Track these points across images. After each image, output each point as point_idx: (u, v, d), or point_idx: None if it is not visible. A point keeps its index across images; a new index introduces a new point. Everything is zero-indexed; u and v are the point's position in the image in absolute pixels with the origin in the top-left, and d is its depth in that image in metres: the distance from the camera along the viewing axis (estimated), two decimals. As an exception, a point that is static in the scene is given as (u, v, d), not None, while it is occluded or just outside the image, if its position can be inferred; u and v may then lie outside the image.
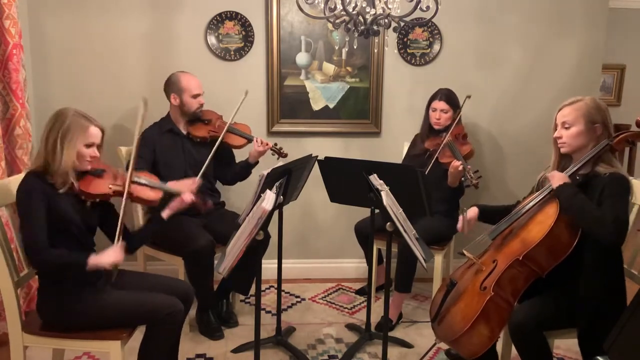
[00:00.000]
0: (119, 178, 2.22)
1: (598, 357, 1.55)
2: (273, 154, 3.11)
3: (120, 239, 2.09)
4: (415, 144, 3.32)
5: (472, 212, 2.41)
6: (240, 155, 3.21)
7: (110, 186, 2.17)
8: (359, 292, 3.53)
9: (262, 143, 3.05)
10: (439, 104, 3.15)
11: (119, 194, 2.18)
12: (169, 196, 2.36)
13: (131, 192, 2.18)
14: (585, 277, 2.07)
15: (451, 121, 3.16)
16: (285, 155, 3.10)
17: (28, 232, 1.99)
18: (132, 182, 2.18)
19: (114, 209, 2.28)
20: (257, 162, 3.13)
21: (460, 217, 2.36)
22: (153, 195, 2.31)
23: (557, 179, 2.11)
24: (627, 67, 5.60)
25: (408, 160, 3.29)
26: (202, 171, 2.85)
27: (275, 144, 3.12)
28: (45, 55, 3.32)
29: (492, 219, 2.36)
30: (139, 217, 3.02)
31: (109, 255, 2.03)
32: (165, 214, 2.32)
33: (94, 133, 2.09)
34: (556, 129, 2.19)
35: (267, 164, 2.65)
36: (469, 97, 3.12)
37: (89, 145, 2.08)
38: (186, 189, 2.43)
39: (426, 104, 3.24)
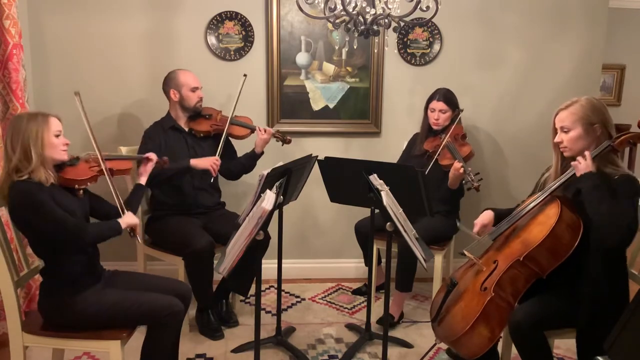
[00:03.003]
0: (91, 161, 2.33)
1: (598, 357, 1.55)
2: (277, 141, 3.14)
3: (124, 209, 2.27)
4: (414, 144, 3.32)
5: (488, 216, 2.37)
6: (242, 148, 3.21)
7: (92, 169, 2.27)
8: (356, 292, 3.53)
9: (265, 131, 3.10)
10: (437, 104, 3.15)
11: (102, 173, 2.31)
12: (139, 164, 2.63)
13: (111, 167, 2.33)
14: (587, 278, 2.07)
15: (450, 121, 3.16)
16: (289, 141, 3.16)
17: (57, 226, 2.00)
18: (105, 159, 2.31)
19: (94, 194, 2.37)
20: (262, 153, 3.15)
21: (475, 224, 2.36)
22: (127, 164, 2.52)
23: (582, 167, 2.06)
24: (627, 67, 5.60)
25: (406, 160, 3.29)
26: (218, 153, 3.00)
27: (278, 130, 3.16)
28: (45, 55, 3.32)
29: None
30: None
31: (131, 217, 2.24)
32: (142, 180, 2.57)
33: (56, 122, 2.12)
34: (555, 133, 2.19)
35: (267, 163, 2.65)
36: (461, 110, 3.18)
37: (57, 134, 2.11)
38: (208, 164, 2.93)
39: (424, 104, 3.25)
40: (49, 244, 2.07)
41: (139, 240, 2.32)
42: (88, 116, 2.26)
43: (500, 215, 2.37)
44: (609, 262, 2.06)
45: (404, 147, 3.41)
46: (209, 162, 2.95)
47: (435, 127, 3.19)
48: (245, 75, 3.07)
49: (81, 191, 2.23)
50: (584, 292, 2.07)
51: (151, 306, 2.09)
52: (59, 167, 2.16)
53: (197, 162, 2.95)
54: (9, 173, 2.04)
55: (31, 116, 2.08)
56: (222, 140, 3.02)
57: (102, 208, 2.35)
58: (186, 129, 3.11)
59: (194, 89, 3.05)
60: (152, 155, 2.62)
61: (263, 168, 2.42)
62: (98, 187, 2.33)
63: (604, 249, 2.01)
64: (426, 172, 2.84)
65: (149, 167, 2.61)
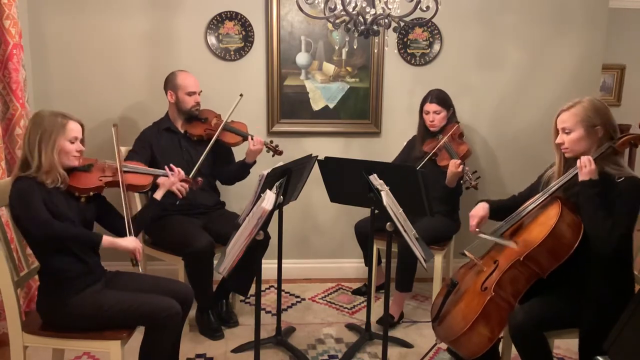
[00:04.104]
0: (107, 170, 2.30)
1: (598, 357, 1.55)
2: (268, 151, 3.11)
3: (132, 231, 2.20)
4: (413, 146, 3.32)
5: (483, 209, 2.38)
6: (241, 154, 3.20)
7: (101, 178, 2.24)
8: (356, 292, 3.54)
9: (257, 142, 3.04)
10: (431, 106, 3.16)
11: (111, 184, 2.27)
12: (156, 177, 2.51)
13: (123, 180, 2.27)
14: (593, 278, 2.07)
15: (446, 121, 3.17)
16: (281, 153, 3.11)
17: (30, 216, 1.98)
18: (123, 171, 2.29)
19: (107, 201, 2.34)
20: (254, 162, 3.12)
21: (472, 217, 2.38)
22: (143, 180, 2.44)
23: (585, 172, 2.04)
24: (627, 67, 5.58)
25: (404, 161, 3.30)
26: (196, 168, 2.85)
27: (271, 141, 3.13)
28: (45, 55, 3.32)
29: (503, 216, 2.35)
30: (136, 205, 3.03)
31: (128, 241, 2.15)
32: (158, 195, 2.46)
33: (74, 128, 2.11)
34: (557, 134, 2.19)
35: (266, 165, 2.65)
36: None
37: (72, 141, 2.10)
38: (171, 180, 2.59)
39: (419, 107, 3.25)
40: (37, 243, 2.08)
41: (140, 270, 2.19)
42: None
43: (495, 207, 2.39)
44: (610, 264, 2.06)
45: (402, 148, 3.41)
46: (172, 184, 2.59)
47: (432, 129, 3.19)
48: (241, 95, 3.04)
49: (83, 198, 2.19)
50: (587, 294, 2.07)
51: (149, 308, 2.08)
52: (70, 170, 2.16)
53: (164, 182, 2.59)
54: (19, 168, 2.06)
55: (51, 116, 2.08)
56: (208, 147, 2.94)
57: (108, 217, 2.32)
58: (182, 131, 3.10)
59: (190, 93, 3.03)
60: (175, 170, 2.53)
61: (262, 169, 2.41)
62: (111, 194, 2.32)
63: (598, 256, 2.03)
64: (418, 168, 2.87)
65: (169, 182, 2.50)
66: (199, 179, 2.74)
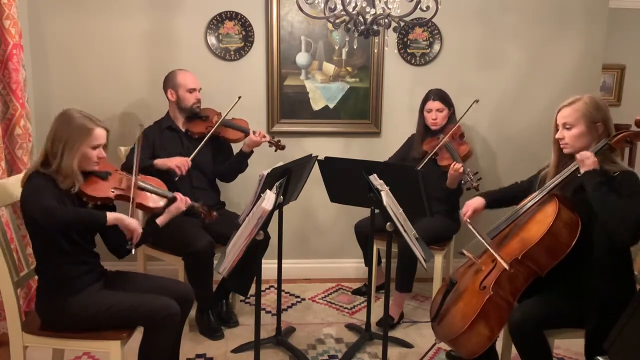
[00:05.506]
0: (124, 182, 2.21)
1: (598, 357, 1.56)
2: (270, 146, 3.11)
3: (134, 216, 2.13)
4: (411, 145, 3.32)
5: (478, 202, 2.41)
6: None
7: (113, 190, 2.16)
8: (356, 292, 3.54)
9: (259, 134, 3.05)
10: (434, 104, 3.16)
11: (122, 198, 2.17)
12: (170, 203, 2.32)
13: (134, 197, 2.16)
14: (594, 278, 2.07)
15: (447, 120, 3.17)
16: (283, 147, 3.11)
17: (37, 205, 1.93)
18: (137, 188, 2.20)
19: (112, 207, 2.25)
20: (251, 152, 3.11)
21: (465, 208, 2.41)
22: (156, 203, 2.28)
23: (588, 164, 2.04)
24: (627, 67, 5.58)
25: (401, 159, 3.31)
26: (192, 156, 2.93)
27: (273, 137, 3.13)
28: (45, 55, 3.33)
29: (501, 205, 2.38)
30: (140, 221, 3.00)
31: (133, 220, 2.06)
32: (160, 220, 2.28)
33: (99, 134, 2.10)
34: (557, 130, 2.19)
35: (266, 163, 2.65)
36: (476, 101, 3.17)
37: (95, 147, 2.09)
38: (174, 164, 2.85)
39: (419, 107, 3.25)
40: (43, 240, 2.05)
41: (133, 252, 2.11)
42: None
43: (491, 201, 2.42)
44: (614, 260, 2.06)
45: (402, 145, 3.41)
46: (174, 162, 2.87)
47: (433, 128, 3.19)
48: (239, 97, 3.05)
49: (90, 205, 2.14)
50: (588, 294, 2.07)
51: (148, 308, 2.08)
52: (87, 173, 2.13)
53: (162, 162, 2.88)
54: (41, 164, 2.04)
55: (80, 119, 2.06)
56: (204, 140, 2.98)
57: (113, 231, 2.14)
58: (183, 130, 3.11)
59: (191, 90, 3.04)
60: (180, 197, 2.31)
61: (263, 169, 2.42)
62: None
63: (615, 246, 1.99)
64: (419, 168, 2.88)
65: (174, 209, 2.30)
66: (214, 213, 2.54)
